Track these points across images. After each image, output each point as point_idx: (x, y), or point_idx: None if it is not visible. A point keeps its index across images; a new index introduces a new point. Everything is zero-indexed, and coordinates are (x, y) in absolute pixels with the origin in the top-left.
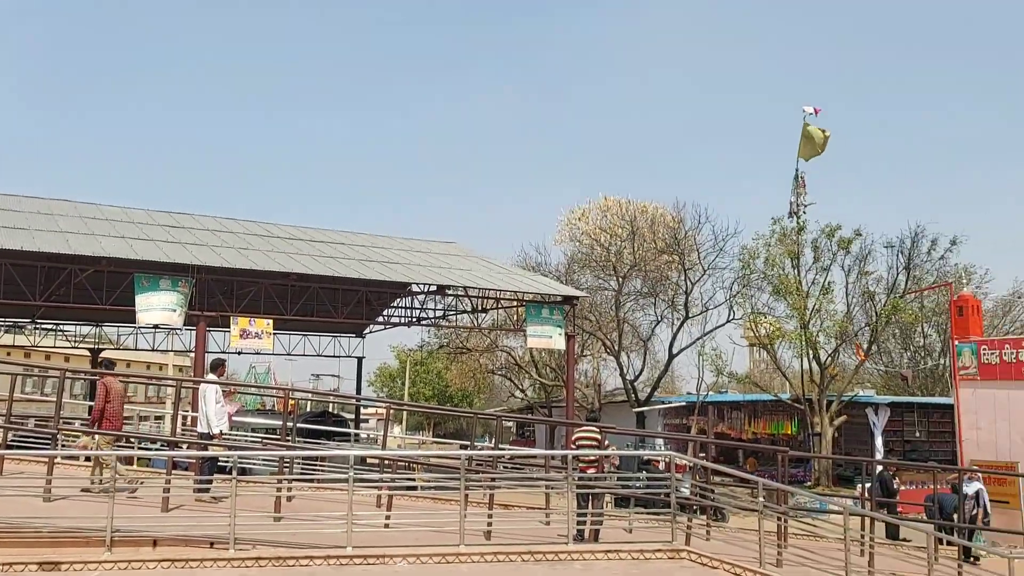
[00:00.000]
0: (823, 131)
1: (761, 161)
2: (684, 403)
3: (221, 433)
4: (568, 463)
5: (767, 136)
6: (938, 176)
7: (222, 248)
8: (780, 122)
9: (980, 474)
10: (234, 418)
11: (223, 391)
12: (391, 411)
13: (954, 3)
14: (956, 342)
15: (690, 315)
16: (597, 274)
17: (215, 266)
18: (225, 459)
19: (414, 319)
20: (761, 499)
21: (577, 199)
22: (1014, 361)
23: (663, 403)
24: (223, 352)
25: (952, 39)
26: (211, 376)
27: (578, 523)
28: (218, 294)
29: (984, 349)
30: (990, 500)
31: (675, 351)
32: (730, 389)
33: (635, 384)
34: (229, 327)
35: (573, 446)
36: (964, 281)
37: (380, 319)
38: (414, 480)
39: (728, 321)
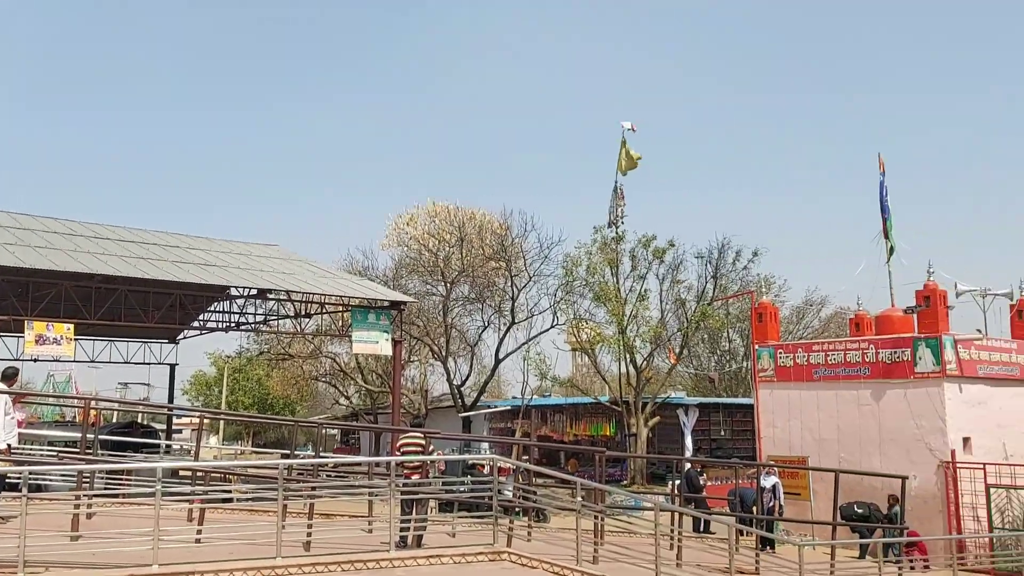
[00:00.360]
0: (636, 156)
1: (586, 170)
2: (509, 407)
3: (9, 447)
4: (392, 469)
5: (591, 146)
6: (743, 191)
7: (16, 246)
8: (604, 133)
9: (776, 468)
10: (30, 431)
11: (12, 398)
12: (206, 420)
13: (763, 17)
14: (756, 346)
15: (516, 321)
16: (425, 279)
17: (7, 265)
18: (15, 475)
19: (232, 324)
20: (579, 499)
21: (406, 204)
22: (805, 364)
23: (489, 407)
24: (16, 360)
25: (759, 55)
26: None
27: (401, 529)
28: (11, 296)
29: (780, 353)
30: (784, 493)
31: (501, 356)
32: (553, 393)
33: (462, 389)
34: (23, 332)
35: (398, 452)
36: (764, 290)
37: (195, 324)
38: (230, 492)
39: (552, 327)
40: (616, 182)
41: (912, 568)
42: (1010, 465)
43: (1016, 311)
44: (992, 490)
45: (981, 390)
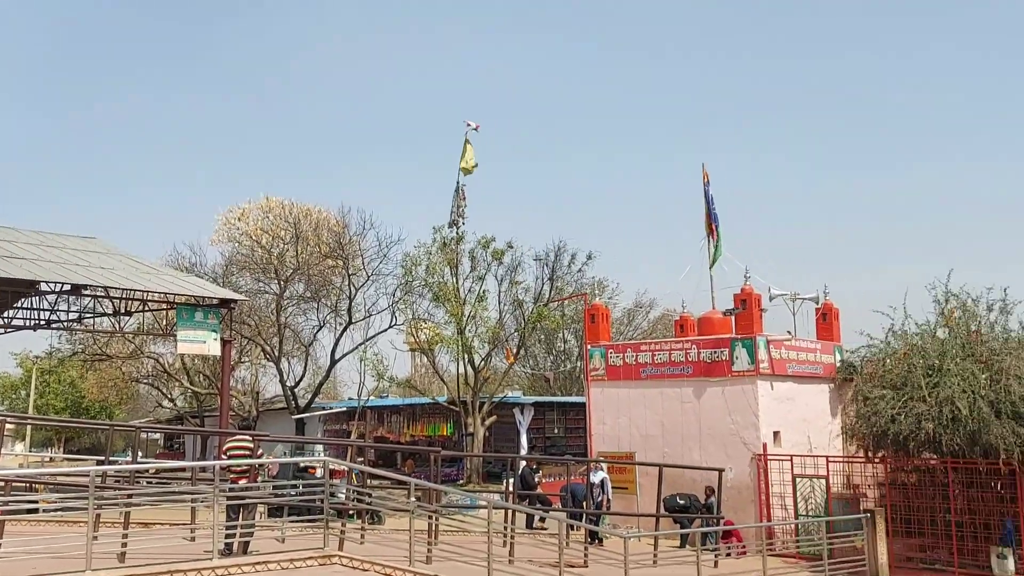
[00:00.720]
0: (473, 164)
1: (426, 170)
2: (345, 408)
3: None
4: (217, 474)
5: (433, 146)
6: (579, 196)
7: None
8: (446, 133)
9: (605, 464)
10: None
11: None
12: (9, 425)
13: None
14: (589, 346)
15: (353, 320)
16: (258, 277)
17: None
18: None
19: (42, 322)
20: (413, 499)
21: (237, 198)
22: (634, 363)
23: (324, 409)
24: None
25: (595, 58)
26: None
27: (227, 536)
28: None
29: (611, 353)
30: (613, 487)
31: (337, 356)
32: (391, 393)
33: (295, 390)
34: None
35: (224, 456)
36: (597, 292)
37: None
38: (36, 502)
39: (390, 327)
40: (458, 182)
41: (728, 555)
42: (813, 456)
43: (821, 314)
44: (798, 480)
45: (790, 387)
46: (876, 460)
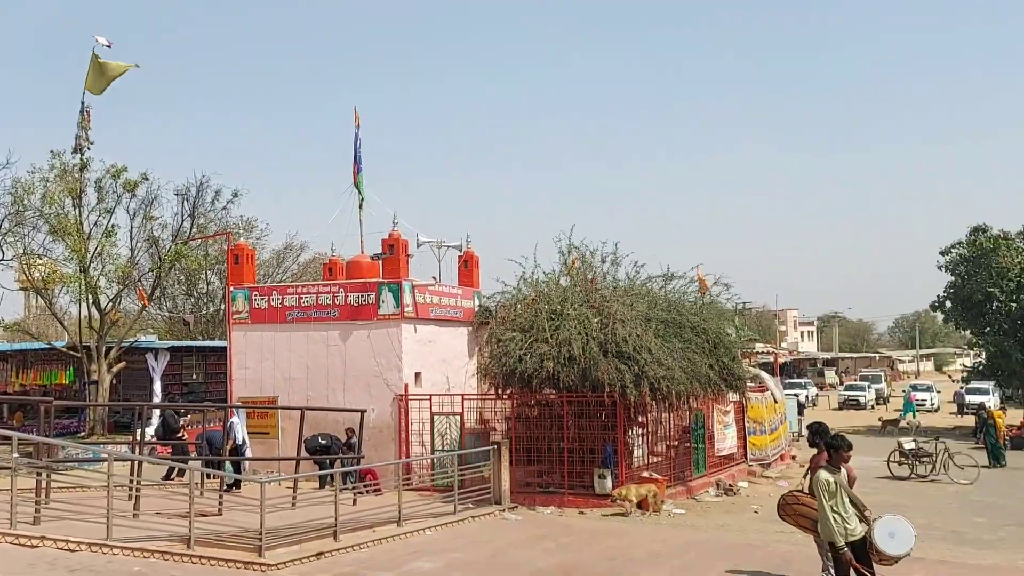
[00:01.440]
0: (122, 66)
1: (39, 88)
2: None
3: None
4: None
5: (49, 63)
6: (228, 131)
7: None
8: (65, 50)
9: (238, 410)
10: None
11: None
12: None
13: None
14: (232, 288)
15: None
16: None
17: None
18: None
19: None
20: (16, 455)
21: None
22: (280, 306)
23: None
24: None
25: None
26: None
27: None
28: None
29: (255, 295)
30: (253, 433)
31: None
32: None
33: None
34: None
35: None
36: (244, 232)
37: None
38: None
39: None
40: (83, 103)
41: (364, 493)
42: (450, 395)
43: (463, 261)
44: (436, 418)
45: (432, 330)
46: (505, 396)
